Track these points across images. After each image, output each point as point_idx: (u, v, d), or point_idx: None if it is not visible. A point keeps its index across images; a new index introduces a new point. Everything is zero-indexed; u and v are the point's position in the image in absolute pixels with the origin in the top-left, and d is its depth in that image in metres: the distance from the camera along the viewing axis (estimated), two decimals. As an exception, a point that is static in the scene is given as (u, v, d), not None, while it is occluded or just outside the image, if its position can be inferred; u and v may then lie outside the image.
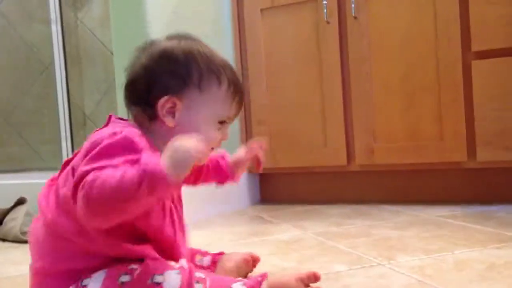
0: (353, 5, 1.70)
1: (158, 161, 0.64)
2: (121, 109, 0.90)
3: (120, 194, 0.63)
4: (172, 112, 0.77)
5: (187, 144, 0.65)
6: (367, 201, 1.80)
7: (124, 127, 0.75)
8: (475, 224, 1.34)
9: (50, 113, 1.99)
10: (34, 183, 1.72)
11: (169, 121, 0.77)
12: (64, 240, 0.72)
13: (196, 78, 0.77)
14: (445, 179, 1.71)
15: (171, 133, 0.75)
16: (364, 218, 1.52)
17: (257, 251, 1.18)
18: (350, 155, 1.75)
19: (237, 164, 0.96)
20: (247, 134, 1.92)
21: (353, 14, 1.71)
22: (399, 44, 1.67)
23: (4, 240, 1.58)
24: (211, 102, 0.78)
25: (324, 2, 1.74)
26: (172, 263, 0.75)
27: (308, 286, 0.78)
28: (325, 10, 1.75)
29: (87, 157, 0.68)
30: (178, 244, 0.80)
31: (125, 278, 0.69)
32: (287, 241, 1.29)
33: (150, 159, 0.65)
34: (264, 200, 1.98)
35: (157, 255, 0.76)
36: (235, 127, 1.92)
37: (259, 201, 1.98)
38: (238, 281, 0.76)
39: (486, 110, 1.56)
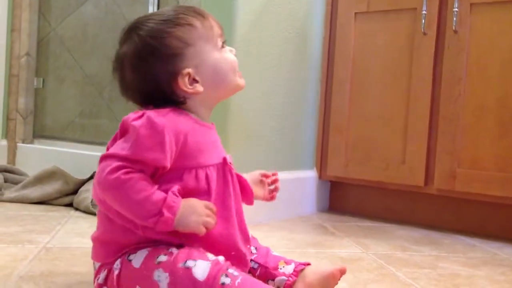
0: (454, 18, 1.58)
1: (174, 211, 0.72)
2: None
3: (131, 208, 0.73)
4: (194, 80, 0.81)
5: (199, 211, 0.74)
6: (441, 228, 1.67)
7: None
8: (559, 275, 1.20)
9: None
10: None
11: (199, 88, 0.82)
12: (109, 217, 0.79)
13: (178, 42, 0.80)
14: (533, 218, 1.55)
15: (207, 94, 0.83)
16: (433, 247, 1.41)
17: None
18: (428, 177, 1.64)
19: (253, 182, 0.93)
20: (323, 140, 1.86)
21: (454, 28, 1.59)
22: (500, 63, 1.53)
23: (77, 209, 1.66)
24: (202, 43, 0.82)
25: (424, 12, 1.64)
26: (209, 254, 0.75)
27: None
28: (423, 21, 1.64)
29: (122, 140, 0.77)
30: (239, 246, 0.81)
31: (162, 258, 0.73)
32: (344, 259, 1.23)
33: (172, 203, 0.73)
34: (332, 209, 1.92)
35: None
36: (310, 131, 1.86)
37: (327, 209, 1.92)
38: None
39: None
